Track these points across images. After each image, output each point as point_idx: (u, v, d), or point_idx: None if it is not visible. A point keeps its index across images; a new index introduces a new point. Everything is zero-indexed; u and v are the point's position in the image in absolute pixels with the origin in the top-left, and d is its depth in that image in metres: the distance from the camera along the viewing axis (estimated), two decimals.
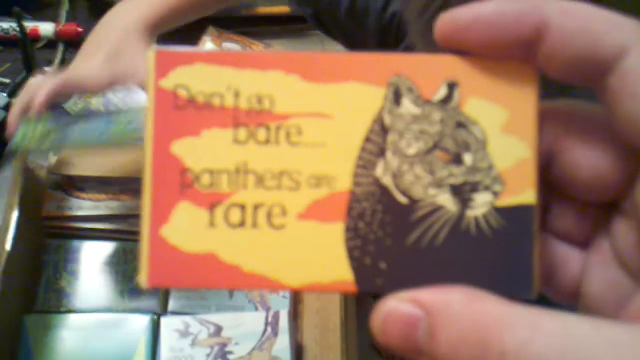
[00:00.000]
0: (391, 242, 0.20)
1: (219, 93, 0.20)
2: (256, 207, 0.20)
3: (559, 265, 0.21)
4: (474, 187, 0.20)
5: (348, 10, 0.71)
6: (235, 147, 0.20)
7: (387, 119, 0.20)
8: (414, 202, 0.20)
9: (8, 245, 0.56)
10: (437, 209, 0.20)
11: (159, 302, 0.61)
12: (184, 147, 0.20)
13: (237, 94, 0.20)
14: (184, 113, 0.20)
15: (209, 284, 0.20)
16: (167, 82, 0.20)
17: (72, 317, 0.60)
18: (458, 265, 0.20)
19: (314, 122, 0.20)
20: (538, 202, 0.20)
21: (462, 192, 0.20)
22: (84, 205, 0.64)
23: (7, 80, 0.79)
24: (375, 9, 0.70)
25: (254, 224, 0.20)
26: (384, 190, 0.20)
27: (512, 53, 0.19)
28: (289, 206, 0.20)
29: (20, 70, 0.77)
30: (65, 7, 0.85)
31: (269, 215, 0.20)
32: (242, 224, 0.20)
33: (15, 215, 0.57)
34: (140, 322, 0.59)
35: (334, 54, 0.20)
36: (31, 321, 0.60)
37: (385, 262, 0.20)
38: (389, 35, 0.70)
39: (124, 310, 0.61)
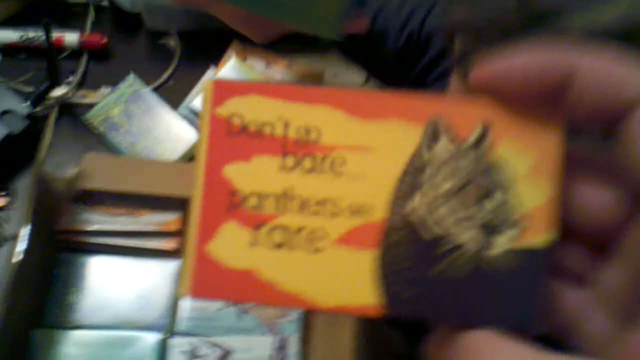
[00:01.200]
0: (417, 273, 0.21)
1: (270, 123, 0.21)
2: (298, 230, 0.21)
3: (556, 302, 0.22)
4: (499, 227, 0.21)
5: (367, 35, 0.73)
6: (283, 173, 0.21)
7: (425, 156, 0.21)
8: (442, 236, 0.21)
9: (18, 258, 0.55)
10: (463, 244, 0.21)
11: (168, 322, 0.61)
12: (235, 170, 0.21)
13: (286, 125, 0.21)
14: (237, 139, 0.21)
15: (246, 298, 0.21)
16: (223, 110, 0.21)
17: (80, 334, 0.59)
18: (475, 299, 0.20)
19: (357, 154, 0.21)
20: (554, 244, 0.21)
21: (488, 230, 0.21)
22: (101, 220, 0.64)
23: (30, 89, 0.80)
24: (395, 30, 0.72)
25: (295, 246, 0.21)
26: (416, 222, 0.21)
27: (543, 99, 0.20)
28: (328, 231, 0.21)
29: (42, 79, 0.77)
30: (91, 17, 0.85)
31: (309, 239, 0.21)
32: (283, 244, 0.21)
33: (27, 229, 0.57)
34: (148, 342, 0.59)
35: (378, 92, 0.21)
36: (39, 336, 0.59)
37: (410, 291, 0.21)
38: (408, 54, 0.72)
39: (133, 329, 0.60)
